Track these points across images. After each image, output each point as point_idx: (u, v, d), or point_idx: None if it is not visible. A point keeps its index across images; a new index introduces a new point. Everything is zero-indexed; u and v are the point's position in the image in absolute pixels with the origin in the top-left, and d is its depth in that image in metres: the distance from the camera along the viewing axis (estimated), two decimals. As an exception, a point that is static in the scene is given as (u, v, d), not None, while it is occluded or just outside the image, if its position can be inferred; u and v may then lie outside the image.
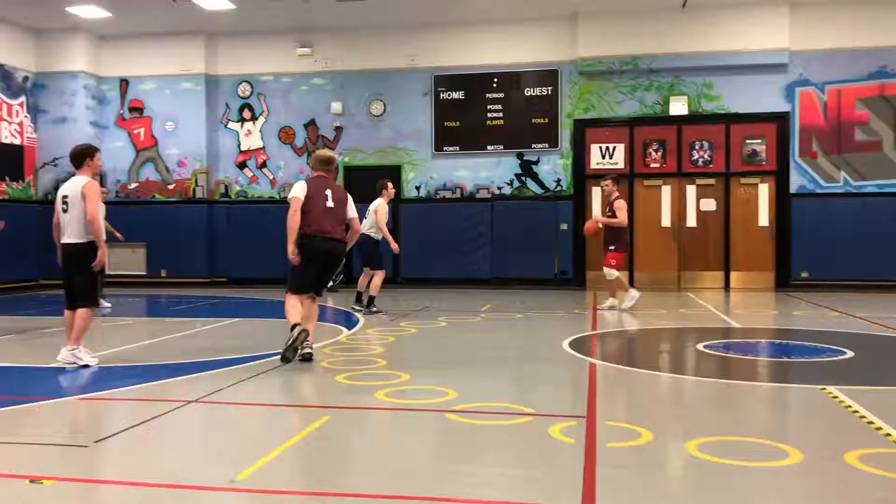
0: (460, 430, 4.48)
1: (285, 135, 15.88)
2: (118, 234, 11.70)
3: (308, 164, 9.44)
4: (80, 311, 6.49)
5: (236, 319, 10.08)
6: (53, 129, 15.58)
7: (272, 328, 9.24)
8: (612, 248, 10.63)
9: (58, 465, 3.87)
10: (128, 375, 6.32)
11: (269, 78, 15.89)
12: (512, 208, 15.00)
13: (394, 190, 10.88)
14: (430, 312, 10.65)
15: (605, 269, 10.67)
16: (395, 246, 10.47)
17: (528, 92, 15.00)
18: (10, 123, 14.91)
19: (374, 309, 10.35)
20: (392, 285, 15.03)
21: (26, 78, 15.37)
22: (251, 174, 16.02)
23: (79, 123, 15.55)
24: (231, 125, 16.08)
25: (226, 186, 16.09)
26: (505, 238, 14.94)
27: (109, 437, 4.30)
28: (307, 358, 6.57)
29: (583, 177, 14.89)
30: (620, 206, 10.66)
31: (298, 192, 6.64)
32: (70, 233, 6.46)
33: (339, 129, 15.65)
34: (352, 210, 6.96)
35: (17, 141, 15.11)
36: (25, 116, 15.33)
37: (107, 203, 15.77)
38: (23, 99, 15.27)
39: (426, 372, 6.32)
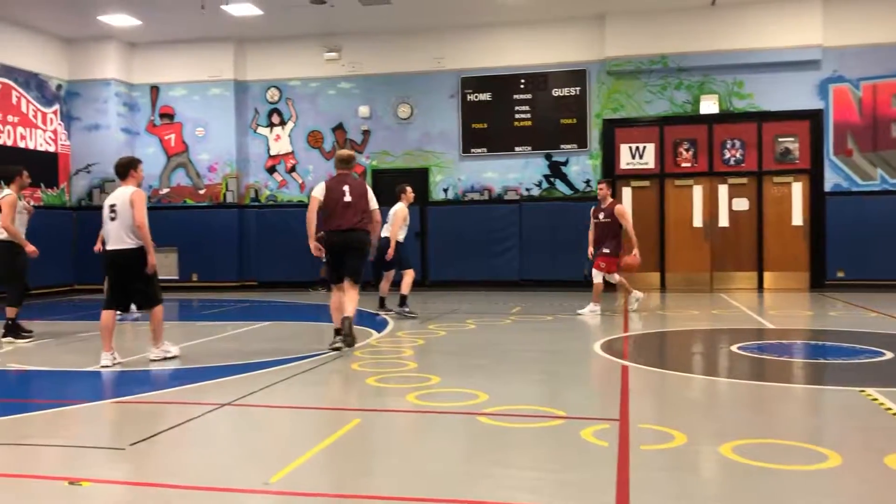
0: (491, 433, 4.46)
1: (314, 139, 15.97)
2: None
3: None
4: (154, 311, 6.91)
5: (267, 323, 10.15)
6: (86, 136, 15.84)
7: (303, 331, 9.31)
8: (605, 251, 10.36)
9: (96, 467, 3.92)
10: (161, 379, 6.40)
11: (297, 83, 16.00)
12: (541, 210, 14.95)
13: (413, 194, 10.89)
14: (459, 315, 10.64)
15: (594, 272, 10.49)
16: (390, 252, 10.27)
17: (556, 92, 14.94)
18: (44, 131, 15.18)
19: (408, 309, 10.35)
20: (420, 287, 15.05)
21: (59, 86, 15.64)
22: (280, 178, 16.14)
23: (111, 130, 15.78)
24: (260, 130, 16.21)
25: (255, 191, 16.23)
26: (534, 240, 14.88)
27: (145, 439, 4.35)
28: (339, 348, 7.18)
29: (613, 177, 14.80)
30: (622, 212, 10.51)
31: (318, 192, 7.35)
32: (117, 239, 6.74)
33: (366, 133, 15.71)
34: (373, 202, 7.52)
35: (52, 148, 15.38)
36: (59, 124, 15.60)
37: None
38: (56, 107, 15.54)
39: (456, 374, 6.31)
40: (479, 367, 6.72)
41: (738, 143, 14.44)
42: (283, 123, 16.13)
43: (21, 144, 14.52)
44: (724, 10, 14.05)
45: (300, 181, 16.03)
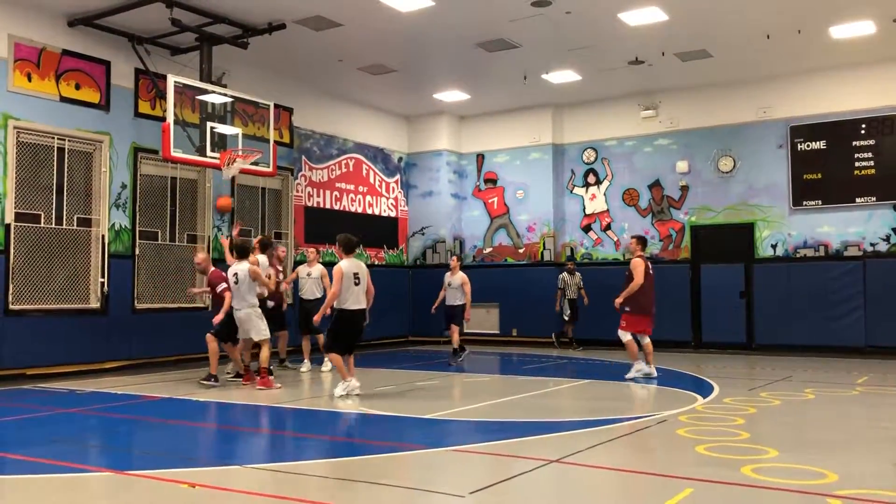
0: (847, 520, 3.97)
1: (629, 197, 15.91)
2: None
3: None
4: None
5: (585, 381, 10.18)
6: (421, 201, 17.46)
7: (620, 391, 9.17)
8: (626, 309, 10.25)
9: (438, 511, 4.20)
10: (489, 430, 6.70)
11: (613, 142, 16.13)
12: (891, 267, 13.24)
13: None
14: (794, 383, 9.73)
15: (619, 332, 10.31)
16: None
17: (906, 136, 13.28)
18: (387, 199, 17.04)
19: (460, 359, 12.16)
20: (746, 351, 14.09)
21: (400, 158, 17.49)
22: (595, 237, 16.28)
23: (442, 196, 17.21)
24: (576, 190, 16.57)
25: (571, 249, 16.53)
26: (882, 301, 13.15)
27: (481, 489, 4.56)
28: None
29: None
30: (635, 264, 10.23)
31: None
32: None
33: (684, 189, 15.28)
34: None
35: (393, 214, 17.18)
36: (399, 192, 17.40)
37: (465, 267, 17.17)
38: (397, 177, 17.38)
39: (797, 449, 5.77)
40: (824, 442, 6.07)
41: None
42: (598, 183, 16.32)
43: (369, 211, 16.44)
44: None
45: (615, 239, 16.01)
